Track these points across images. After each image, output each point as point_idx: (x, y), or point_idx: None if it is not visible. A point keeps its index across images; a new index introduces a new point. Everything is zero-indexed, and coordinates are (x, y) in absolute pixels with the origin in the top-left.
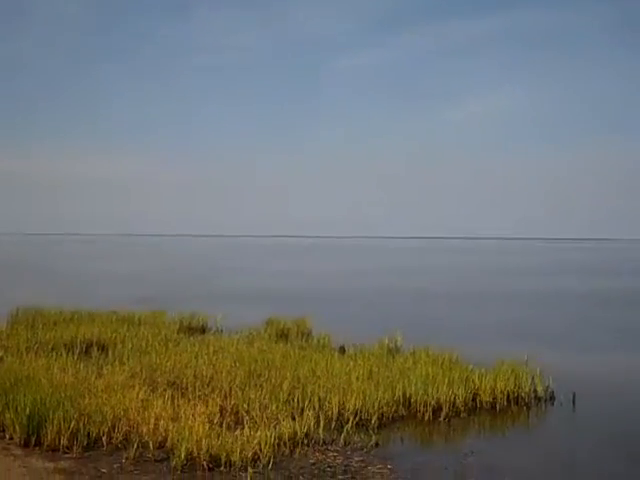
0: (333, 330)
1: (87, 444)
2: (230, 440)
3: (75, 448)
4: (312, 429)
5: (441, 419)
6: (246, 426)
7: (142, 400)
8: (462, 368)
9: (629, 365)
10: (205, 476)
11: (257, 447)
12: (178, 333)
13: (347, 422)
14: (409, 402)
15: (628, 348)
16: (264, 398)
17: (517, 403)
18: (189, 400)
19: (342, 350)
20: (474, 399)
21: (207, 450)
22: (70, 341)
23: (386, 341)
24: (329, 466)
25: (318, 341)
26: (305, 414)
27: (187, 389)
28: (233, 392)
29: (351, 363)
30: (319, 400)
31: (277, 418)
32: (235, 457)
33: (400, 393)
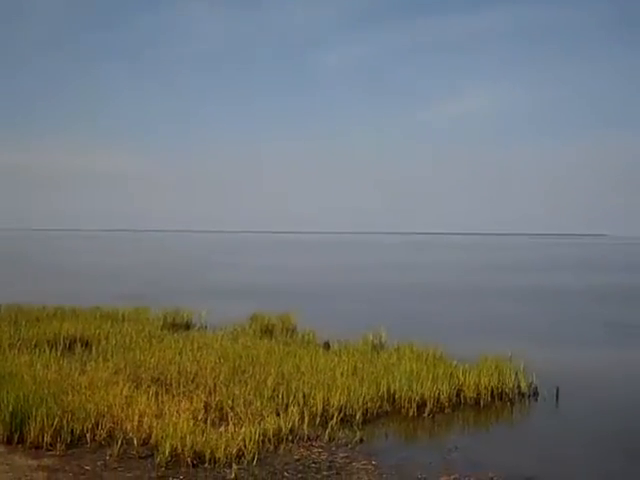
0: (318, 326)
1: (70, 441)
2: (214, 436)
3: (58, 445)
4: (296, 425)
5: (425, 415)
6: (230, 422)
7: (126, 397)
8: (446, 364)
9: (613, 360)
10: (189, 472)
11: (241, 443)
12: (162, 329)
13: (332, 418)
14: (393, 398)
15: (613, 343)
16: (248, 394)
17: (501, 399)
18: (173, 396)
19: (327, 346)
20: (458, 395)
21: (191, 446)
22: (53, 337)
23: (370, 337)
24: (314, 462)
25: (303, 337)
26: (289, 410)
27: (171, 385)
28: (217, 388)
29: (335, 359)
30: (303, 396)
31: (261, 414)
32: (219, 453)
33: (384, 389)
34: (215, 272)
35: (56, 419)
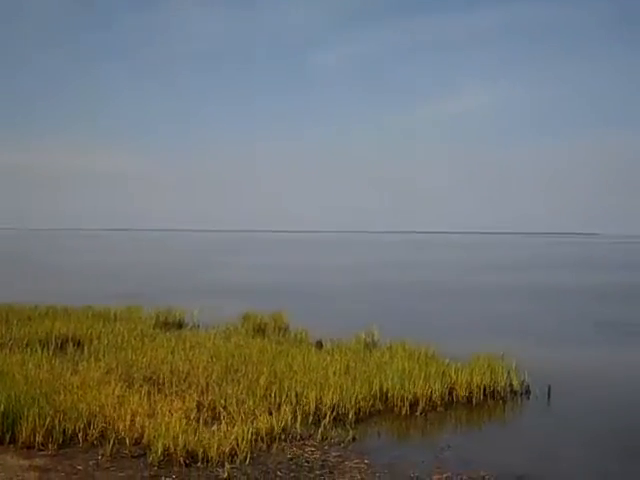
0: (311, 325)
1: (63, 441)
2: (207, 436)
3: (50, 445)
4: (289, 424)
5: (418, 413)
6: (223, 421)
7: (118, 396)
8: (439, 362)
9: (605, 359)
10: (182, 472)
11: (234, 442)
12: (154, 328)
13: (324, 417)
14: (386, 397)
15: (605, 342)
16: (241, 393)
17: (493, 397)
18: (166, 396)
19: (319, 345)
20: (450, 393)
21: (184, 446)
22: (45, 337)
23: (363, 336)
24: (306, 461)
25: (295, 336)
26: (282, 409)
27: (164, 385)
28: (210, 387)
29: (328, 358)
30: (296, 395)
31: (254, 413)
32: (212, 452)
33: (377, 388)
34: (212, 271)
35: (48, 419)
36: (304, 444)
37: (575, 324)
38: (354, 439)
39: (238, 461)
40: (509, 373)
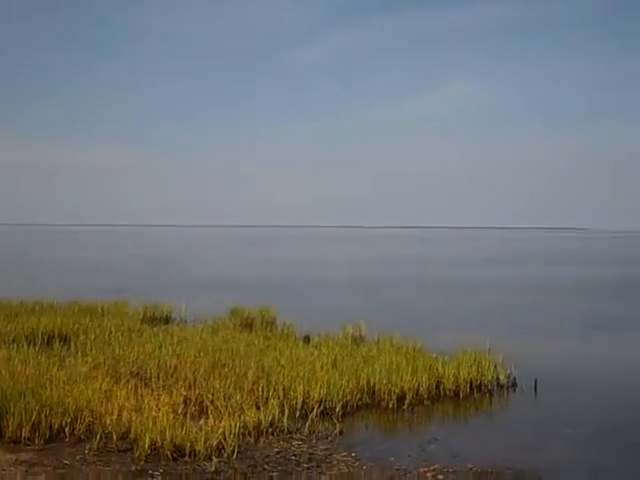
0: (298, 319)
1: (49, 436)
2: (194, 430)
3: (37, 440)
4: (277, 418)
5: (405, 407)
6: (210, 416)
7: (105, 391)
8: (426, 356)
9: (591, 352)
10: (169, 466)
11: (221, 437)
12: (141, 323)
13: (312, 411)
14: (373, 390)
15: (591, 336)
16: (228, 388)
17: (480, 390)
18: (153, 390)
19: (307, 339)
20: (437, 387)
21: (171, 440)
22: (31, 332)
23: (350, 330)
24: (294, 455)
25: (282, 330)
26: (270, 403)
27: (151, 379)
28: (197, 382)
29: (315, 352)
30: (284, 389)
31: (241, 407)
32: (199, 447)
33: (364, 381)
34: (204, 265)
35: (34, 414)
36: (291, 438)
37: (562, 318)
38: (341, 433)
39: (225, 455)
40: (496, 367)
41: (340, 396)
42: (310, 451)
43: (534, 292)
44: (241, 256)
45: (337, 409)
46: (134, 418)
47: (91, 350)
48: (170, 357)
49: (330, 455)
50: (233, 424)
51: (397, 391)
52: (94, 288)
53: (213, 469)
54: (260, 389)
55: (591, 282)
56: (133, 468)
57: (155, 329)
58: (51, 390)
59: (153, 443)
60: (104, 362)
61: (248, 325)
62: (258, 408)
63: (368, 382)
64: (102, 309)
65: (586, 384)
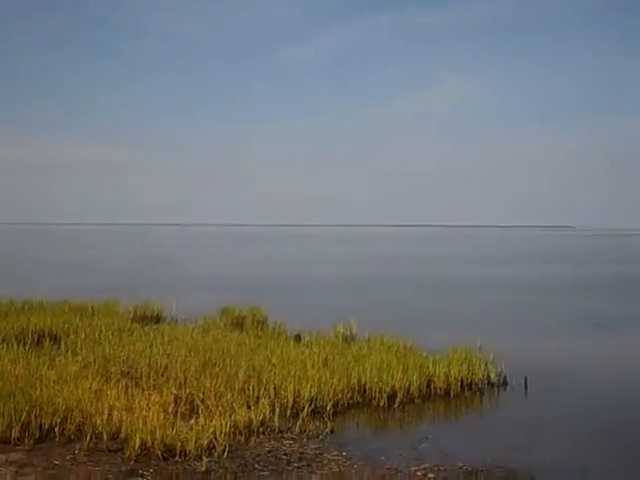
0: (290, 318)
1: (39, 436)
2: (185, 429)
3: (27, 440)
4: (267, 417)
5: (396, 405)
6: (201, 415)
7: (95, 391)
8: (416, 355)
9: (582, 350)
10: (160, 466)
11: (212, 436)
12: (132, 322)
13: (302, 410)
14: (364, 389)
15: (581, 334)
16: (219, 387)
17: (470, 389)
18: (143, 390)
19: (297, 338)
20: (428, 385)
21: (162, 440)
22: (21, 332)
23: (341, 329)
24: (284, 454)
25: (274, 329)
26: (260, 402)
27: (141, 379)
28: (188, 381)
29: (306, 351)
30: (274, 388)
31: (232, 407)
32: (190, 446)
33: (355, 380)
34: (199, 264)
35: (24, 414)
36: (282, 437)
37: (556, 316)
38: (332, 432)
39: (216, 454)
40: (486, 365)
41: (331, 395)
42: (301, 450)
43: (529, 290)
44: (236, 255)
45: (328, 408)
46: (124, 418)
47: (81, 349)
48: (161, 356)
49: (321, 454)
50: (224, 423)
51: (388, 390)
52: (86, 287)
53: (204, 469)
54: (251, 388)
55: (587, 280)
56: (124, 468)
57: (146, 328)
58: (41, 390)
59: (143, 443)
60: (94, 361)
61: (239, 324)
62: (249, 407)
63: (359, 381)
64: (92, 308)
65: (577, 382)
